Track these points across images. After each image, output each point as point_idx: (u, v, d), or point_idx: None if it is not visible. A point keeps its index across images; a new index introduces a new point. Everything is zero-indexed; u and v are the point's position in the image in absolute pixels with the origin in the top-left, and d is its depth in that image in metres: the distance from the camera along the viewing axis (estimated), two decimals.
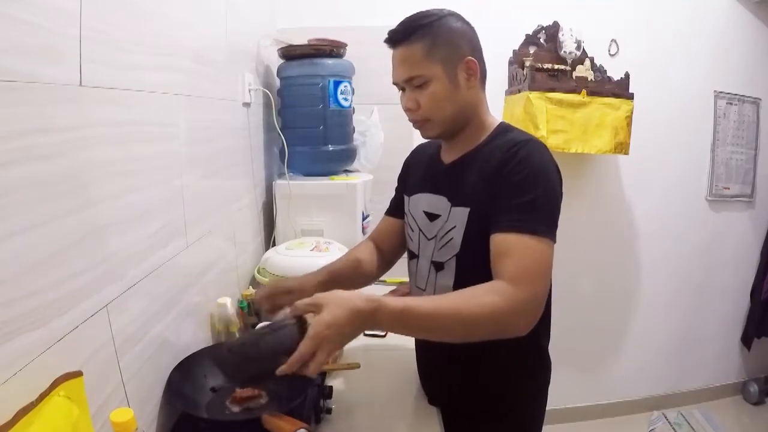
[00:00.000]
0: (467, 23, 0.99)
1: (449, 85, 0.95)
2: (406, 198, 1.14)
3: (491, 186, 0.91)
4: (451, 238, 0.98)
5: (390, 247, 1.22)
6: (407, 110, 1.00)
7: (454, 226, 0.97)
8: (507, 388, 1.04)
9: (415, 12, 0.97)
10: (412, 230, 1.10)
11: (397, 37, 0.95)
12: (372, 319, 0.79)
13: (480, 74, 0.98)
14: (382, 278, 1.60)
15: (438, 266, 1.02)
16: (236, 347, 0.87)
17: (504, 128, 1.01)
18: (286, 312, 0.85)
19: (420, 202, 1.07)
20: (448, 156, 1.05)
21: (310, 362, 0.76)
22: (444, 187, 1.02)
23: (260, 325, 0.97)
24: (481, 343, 0.84)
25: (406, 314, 0.80)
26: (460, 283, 0.98)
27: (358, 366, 1.10)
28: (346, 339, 0.79)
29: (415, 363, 1.23)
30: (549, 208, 0.89)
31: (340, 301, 0.78)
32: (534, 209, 0.87)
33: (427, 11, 0.96)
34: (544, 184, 0.89)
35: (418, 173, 1.13)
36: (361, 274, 1.18)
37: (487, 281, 0.86)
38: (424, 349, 1.19)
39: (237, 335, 1.26)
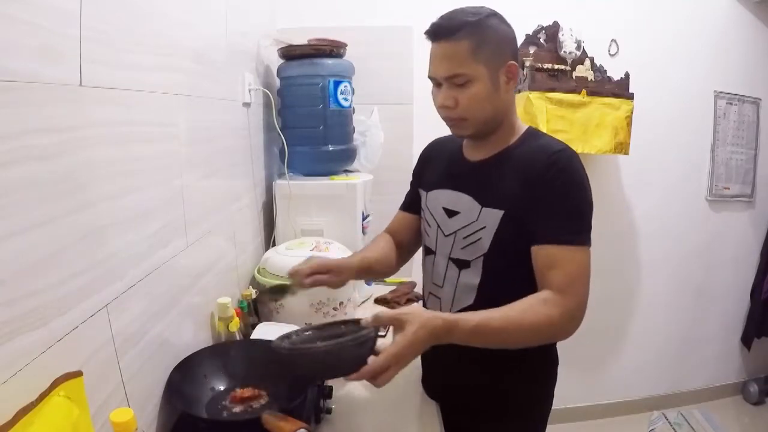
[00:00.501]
0: (509, 25, 0.98)
1: (491, 86, 0.94)
2: (423, 193, 1.13)
3: (531, 190, 0.92)
4: (479, 239, 0.98)
5: (406, 243, 1.22)
6: (443, 107, 0.97)
7: (484, 227, 0.97)
8: (518, 388, 1.05)
9: (453, 9, 0.95)
10: (429, 226, 1.10)
11: (441, 32, 0.93)
12: (446, 337, 0.83)
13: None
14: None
15: (462, 264, 1.02)
16: (320, 355, 0.81)
17: (532, 132, 1.03)
18: (367, 319, 0.86)
19: (440, 199, 1.07)
20: (474, 154, 1.05)
21: (381, 375, 0.78)
22: (469, 185, 1.01)
23: (321, 322, 0.96)
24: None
25: (478, 330, 0.84)
26: (486, 283, 0.99)
27: None
28: (418, 355, 0.83)
29: (415, 362, 1.22)
30: (587, 215, 0.93)
31: (423, 321, 0.81)
32: (575, 218, 0.92)
33: (469, 8, 0.94)
34: (583, 193, 0.93)
35: (437, 169, 1.12)
36: (387, 267, 1.18)
37: (514, 281, 0.91)
38: (432, 347, 1.18)
39: (237, 335, 1.26)
